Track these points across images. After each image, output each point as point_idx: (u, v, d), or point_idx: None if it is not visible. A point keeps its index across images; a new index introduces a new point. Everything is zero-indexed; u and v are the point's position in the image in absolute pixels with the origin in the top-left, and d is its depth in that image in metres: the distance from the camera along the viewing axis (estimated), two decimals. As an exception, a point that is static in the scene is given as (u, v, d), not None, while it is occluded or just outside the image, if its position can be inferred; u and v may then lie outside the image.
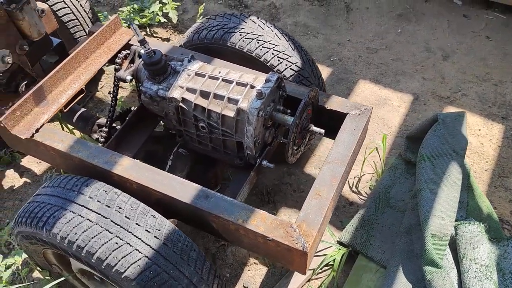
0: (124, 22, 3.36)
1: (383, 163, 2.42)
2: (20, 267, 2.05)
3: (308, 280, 2.11)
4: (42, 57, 1.98)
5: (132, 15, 3.44)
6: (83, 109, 2.30)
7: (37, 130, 1.81)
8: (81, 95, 2.19)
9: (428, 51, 3.23)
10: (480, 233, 1.94)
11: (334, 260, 2.08)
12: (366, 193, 2.42)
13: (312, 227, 1.49)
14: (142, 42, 1.73)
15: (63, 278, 1.77)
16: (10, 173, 2.66)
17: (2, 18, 1.69)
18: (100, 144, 2.02)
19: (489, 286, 1.79)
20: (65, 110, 2.12)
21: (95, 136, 2.20)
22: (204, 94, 1.74)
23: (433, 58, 3.18)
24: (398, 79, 3.07)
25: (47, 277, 1.98)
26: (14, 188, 2.59)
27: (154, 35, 3.49)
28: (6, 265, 1.94)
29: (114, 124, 2.14)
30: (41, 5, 1.82)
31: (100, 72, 3.17)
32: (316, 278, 2.12)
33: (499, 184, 2.45)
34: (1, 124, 1.76)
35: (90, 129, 2.21)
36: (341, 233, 2.17)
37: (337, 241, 2.16)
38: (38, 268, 1.95)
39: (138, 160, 1.93)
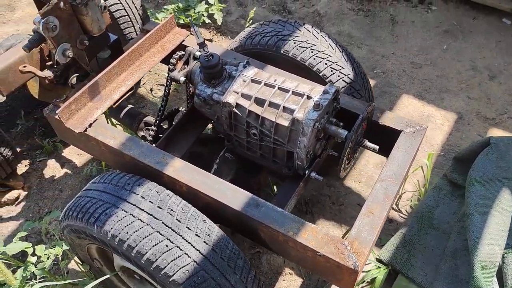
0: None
1: (427, 182, 2.37)
2: (60, 258, 2.07)
3: (345, 296, 2.07)
4: (98, 52, 2.00)
5: (176, 13, 3.47)
6: (130, 106, 2.32)
7: (90, 125, 1.83)
8: (130, 92, 2.21)
9: (474, 70, 3.16)
10: (528, 263, 1.88)
11: (373, 278, 2.04)
12: (406, 211, 2.38)
13: (364, 245, 1.46)
14: (202, 45, 1.73)
15: (107, 277, 1.77)
16: (52, 163, 2.70)
17: (67, 12, 1.71)
18: (147, 142, 2.03)
19: (536, 320, 1.73)
20: (114, 106, 2.14)
21: (141, 133, 2.21)
22: (259, 101, 1.73)
23: (479, 77, 3.11)
24: (442, 96, 3.01)
25: (85, 270, 1.99)
26: (55, 178, 2.63)
27: (197, 35, 3.50)
28: (48, 255, 1.96)
29: (161, 124, 2.15)
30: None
31: (138, 83, 3.20)
32: (353, 294, 2.09)
33: (545, 212, 2.37)
34: (57, 117, 1.78)
35: (137, 126, 2.23)
36: (380, 251, 2.14)
37: (376, 258, 2.12)
38: (78, 261, 1.97)
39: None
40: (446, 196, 2.26)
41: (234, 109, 1.76)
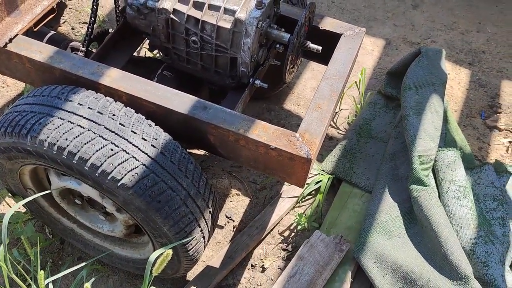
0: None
1: (362, 96, 2.45)
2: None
3: (293, 208, 2.11)
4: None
5: None
6: (53, 32, 2.12)
7: (10, 40, 1.65)
8: (52, 15, 2.04)
9: (398, 0, 3.28)
10: (457, 158, 2.02)
11: (318, 188, 2.09)
12: (344, 128, 2.45)
13: (315, 136, 1.48)
14: None
15: (47, 192, 1.61)
16: (-35, 105, 2.44)
17: None
18: (79, 54, 1.88)
19: (467, 204, 1.88)
20: (35, 29, 1.96)
21: (68, 59, 2.04)
22: (198, 5, 1.65)
23: (403, 6, 3.24)
24: (371, 24, 3.10)
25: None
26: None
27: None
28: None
29: (90, 48, 1.99)
30: None
31: (62, 6, 2.95)
32: (300, 206, 2.14)
33: (468, 123, 2.56)
34: (-31, 30, 1.59)
35: (63, 51, 2.05)
36: (322, 163, 2.19)
37: (320, 171, 2.17)
38: (9, 194, 1.81)
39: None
40: (381, 109, 2.35)
41: (172, 15, 1.66)
